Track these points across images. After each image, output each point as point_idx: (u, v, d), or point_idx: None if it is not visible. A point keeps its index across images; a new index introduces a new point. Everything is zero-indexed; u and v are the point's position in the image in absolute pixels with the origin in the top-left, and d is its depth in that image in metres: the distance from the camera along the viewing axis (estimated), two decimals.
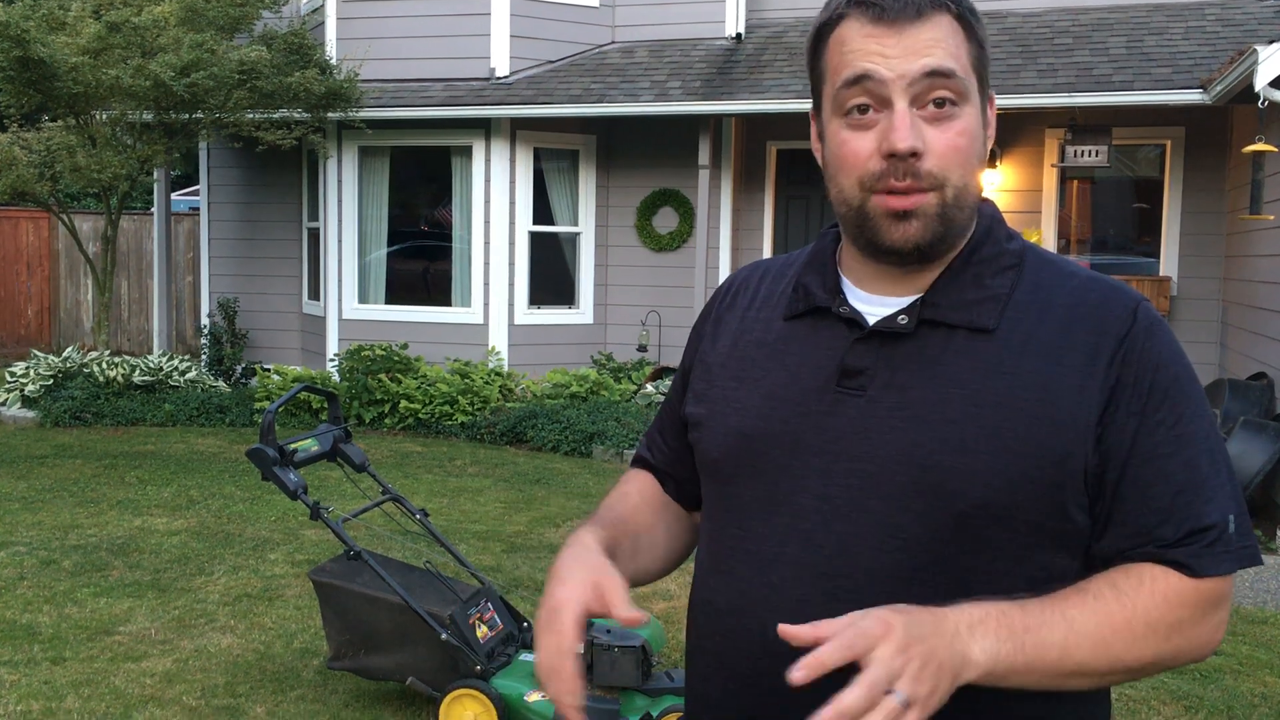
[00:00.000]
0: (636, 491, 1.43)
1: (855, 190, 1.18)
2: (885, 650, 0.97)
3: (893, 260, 1.20)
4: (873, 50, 1.15)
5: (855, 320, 1.22)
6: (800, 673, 0.97)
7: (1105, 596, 1.11)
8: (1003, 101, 8.87)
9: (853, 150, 1.17)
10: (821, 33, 1.21)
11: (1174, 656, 1.14)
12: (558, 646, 1.12)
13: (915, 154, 1.13)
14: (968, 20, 1.18)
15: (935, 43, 1.14)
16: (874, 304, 1.23)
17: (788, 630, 1.01)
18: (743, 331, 1.32)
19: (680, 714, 3.34)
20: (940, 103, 1.15)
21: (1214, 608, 1.15)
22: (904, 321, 1.19)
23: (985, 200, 1.27)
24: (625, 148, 10.85)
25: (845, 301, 1.24)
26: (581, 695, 1.12)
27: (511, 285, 10.47)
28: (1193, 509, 1.14)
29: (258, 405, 9.85)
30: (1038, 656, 1.07)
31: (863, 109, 1.16)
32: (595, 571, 1.16)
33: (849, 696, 0.96)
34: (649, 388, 9.86)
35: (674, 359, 10.09)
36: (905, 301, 1.21)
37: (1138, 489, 1.14)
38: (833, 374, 1.21)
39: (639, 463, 1.49)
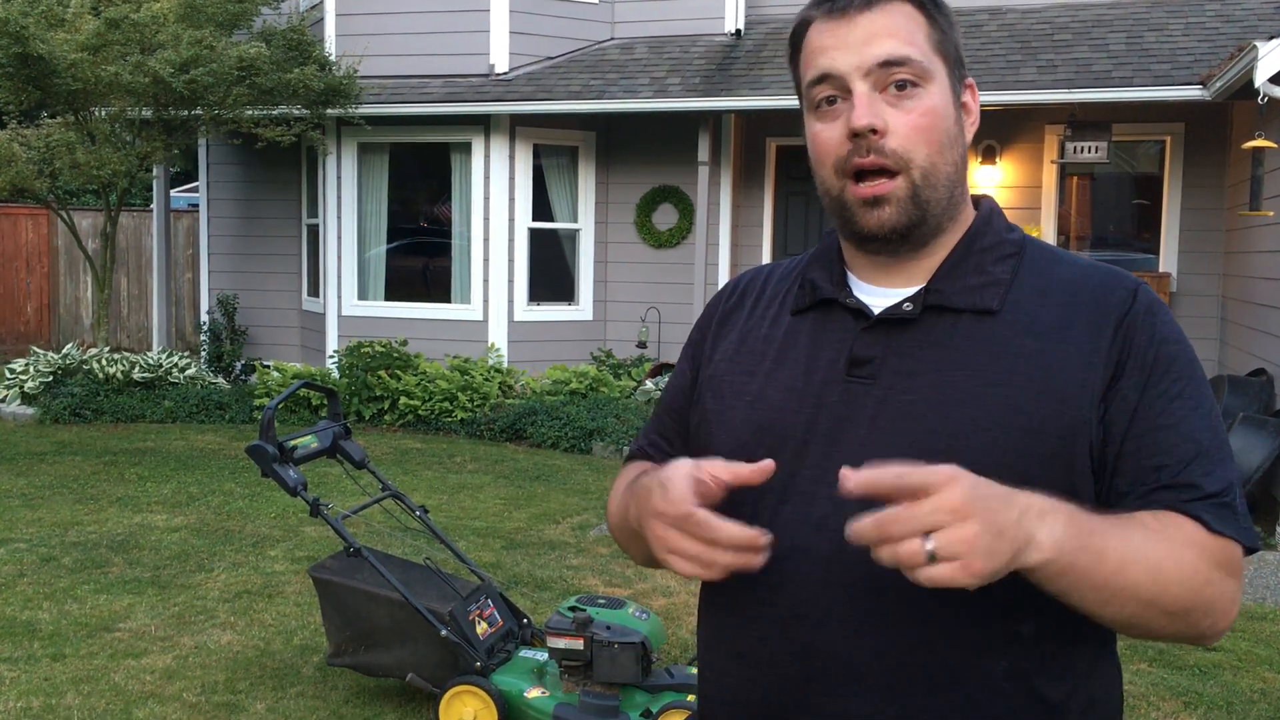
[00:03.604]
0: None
1: (832, 178, 1.22)
2: (939, 500, 0.97)
3: (876, 247, 1.24)
4: (829, 45, 1.20)
5: (862, 310, 1.25)
6: (852, 483, 0.99)
7: (1151, 526, 1.11)
8: (1002, 98, 8.87)
9: (824, 140, 1.22)
10: (795, 39, 1.26)
11: (1205, 610, 1.12)
12: (680, 494, 1.11)
13: (875, 130, 1.17)
14: (925, 6, 1.22)
15: (889, 30, 1.19)
16: (879, 295, 1.26)
17: (848, 472, 1.00)
18: (750, 329, 1.34)
19: (679, 710, 3.35)
20: (901, 85, 1.19)
21: (1231, 573, 1.14)
22: (909, 309, 1.22)
23: (984, 196, 1.32)
24: (625, 144, 10.84)
25: (851, 293, 1.27)
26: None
27: (511, 282, 10.46)
28: (1194, 479, 1.14)
29: (257, 402, 9.85)
30: (1098, 561, 1.05)
31: (830, 100, 1.21)
32: (685, 463, 1.17)
33: (890, 510, 0.97)
34: (648, 384, 9.86)
35: (674, 355, 10.08)
36: (910, 291, 1.24)
37: (1137, 460, 1.15)
38: (842, 364, 1.23)
39: (640, 457, 1.47)
